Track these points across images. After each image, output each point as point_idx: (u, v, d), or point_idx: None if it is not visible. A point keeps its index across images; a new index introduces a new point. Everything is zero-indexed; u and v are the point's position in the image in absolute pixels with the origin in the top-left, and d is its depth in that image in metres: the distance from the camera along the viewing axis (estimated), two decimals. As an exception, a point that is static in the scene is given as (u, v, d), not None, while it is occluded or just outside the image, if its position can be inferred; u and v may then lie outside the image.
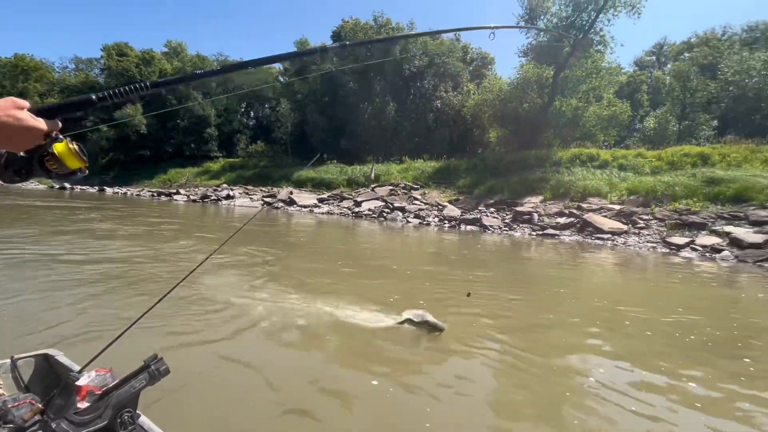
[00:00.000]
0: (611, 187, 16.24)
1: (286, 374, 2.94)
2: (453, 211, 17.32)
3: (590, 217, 14.15)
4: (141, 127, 38.39)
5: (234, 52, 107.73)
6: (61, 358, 1.74)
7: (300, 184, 26.47)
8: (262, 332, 3.66)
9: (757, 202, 12.76)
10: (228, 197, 24.64)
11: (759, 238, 10.83)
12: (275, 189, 25.50)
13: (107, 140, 40.90)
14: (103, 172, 39.90)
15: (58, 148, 0.80)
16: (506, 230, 14.88)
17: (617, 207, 14.79)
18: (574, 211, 15.11)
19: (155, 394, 2.02)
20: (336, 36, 37.35)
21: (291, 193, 23.39)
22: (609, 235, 13.01)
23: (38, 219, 11.20)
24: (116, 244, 7.72)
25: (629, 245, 12.19)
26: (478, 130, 30.22)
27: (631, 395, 2.82)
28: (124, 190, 32.06)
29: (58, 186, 29.54)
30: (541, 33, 24.17)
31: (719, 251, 10.79)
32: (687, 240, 11.69)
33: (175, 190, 29.25)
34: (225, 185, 29.57)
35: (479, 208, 17.58)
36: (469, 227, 15.63)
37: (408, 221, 16.94)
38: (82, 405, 1.22)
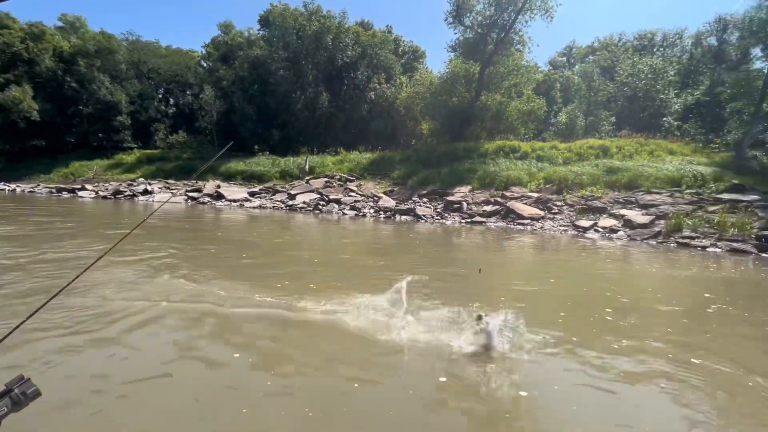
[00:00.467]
0: (530, 176, 17.69)
1: (185, 383, 2.80)
2: (388, 202, 17.61)
3: (513, 204, 15.32)
4: (31, 113, 32.99)
5: (148, 32, 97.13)
6: None
7: (229, 177, 24.92)
8: (151, 337, 3.62)
9: (644, 189, 14.83)
10: (146, 192, 22.39)
11: (646, 219, 12.61)
12: (201, 183, 23.72)
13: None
14: (-18, 166, 33.74)
15: None
16: (438, 219, 15.53)
17: (535, 195, 16.19)
18: (499, 199, 16.24)
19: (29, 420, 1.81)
20: (264, 20, 35.48)
21: (219, 186, 21.96)
22: (529, 221, 14.23)
23: None
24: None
25: (546, 229, 13.44)
26: (411, 122, 30.89)
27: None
28: (12, 186, 27.47)
29: None
30: (467, 29, 25.35)
31: (616, 231, 12.38)
32: (591, 223, 13.21)
33: (80, 186, 25.80)
34: (142, 179, 26.77)
35: (413, 198, 18.09)
36: (404, 217, 16.02)
37: (344, 213, 16.88)
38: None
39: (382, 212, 16.72)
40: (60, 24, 39.94)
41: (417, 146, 26.25)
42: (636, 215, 13.02)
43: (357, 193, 19.46)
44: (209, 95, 32.07)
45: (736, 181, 13.95)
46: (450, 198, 17.10)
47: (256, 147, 32.42)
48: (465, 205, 16.33)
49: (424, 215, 15.77)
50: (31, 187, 26.77)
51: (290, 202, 18.66)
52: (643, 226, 12.36)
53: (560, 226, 13.66)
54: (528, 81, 26.20)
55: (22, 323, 1.31)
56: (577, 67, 37.72)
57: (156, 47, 43.39)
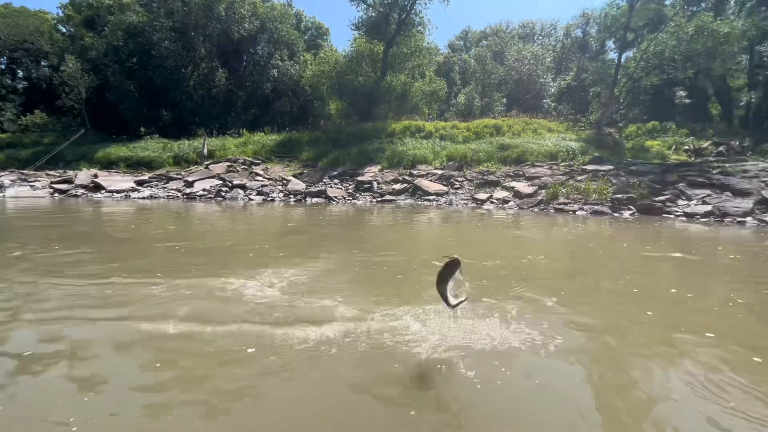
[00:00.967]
0: (434, 154, 18.69)
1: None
2: (298, 185, 17.07)
3: (419, 182, 16.08)
4: None
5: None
6: None
7: (109, 165, 21.55)
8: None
9: (529, 163, 16.77)
10: (-8, 187, 18.18)
11: (531, 190, 14.33)
12: (71, 172, 20.08)
13: None
14: None
15: None
16: (350, 200, 15.59)
17: (439, 172, 17.19)
18: (407, 177, 16.88)
19: None
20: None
21: (95, 176, 18.84)
22: (434, 197, 15.11)
23: None
24: None
25: (449, 203, 14.43)
26: (319, 102, 30.04)
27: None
28: None
29: None
30: (370, 8, 25.18)
31: (507, 202, 13.86)
32: (487, 195, 14.56)
33: None
34: (-15, 171, 21.65)
35: (324, 180, 17.81)
36: (315, 200, 15.73)
37: (250, 199, 15.91)
38: None
39: (292, 196, 16.16)
40: None
41: (326, 127, 25.70)
42: (523, 187, 14.70)
43: (264, 177, 18.44)
44: (74, 68, 26.86)
45: (597, 154, 16.61)
46: (360, 178, 17.24)
47: (142, 129, 28.49)
48: (375, 184, 16.63)
49: (335, 197, 15.67)
50: None
51: (188, 190, 16.91)
52: (529, 196, 14.04)
53: (462, 199, 14.79)
54: (430, 62, 27.28)
55: None
56: (473, 51, 40.38)
57: (-13, 4, 34.71)
